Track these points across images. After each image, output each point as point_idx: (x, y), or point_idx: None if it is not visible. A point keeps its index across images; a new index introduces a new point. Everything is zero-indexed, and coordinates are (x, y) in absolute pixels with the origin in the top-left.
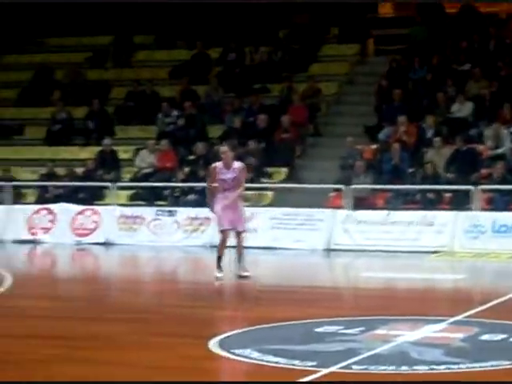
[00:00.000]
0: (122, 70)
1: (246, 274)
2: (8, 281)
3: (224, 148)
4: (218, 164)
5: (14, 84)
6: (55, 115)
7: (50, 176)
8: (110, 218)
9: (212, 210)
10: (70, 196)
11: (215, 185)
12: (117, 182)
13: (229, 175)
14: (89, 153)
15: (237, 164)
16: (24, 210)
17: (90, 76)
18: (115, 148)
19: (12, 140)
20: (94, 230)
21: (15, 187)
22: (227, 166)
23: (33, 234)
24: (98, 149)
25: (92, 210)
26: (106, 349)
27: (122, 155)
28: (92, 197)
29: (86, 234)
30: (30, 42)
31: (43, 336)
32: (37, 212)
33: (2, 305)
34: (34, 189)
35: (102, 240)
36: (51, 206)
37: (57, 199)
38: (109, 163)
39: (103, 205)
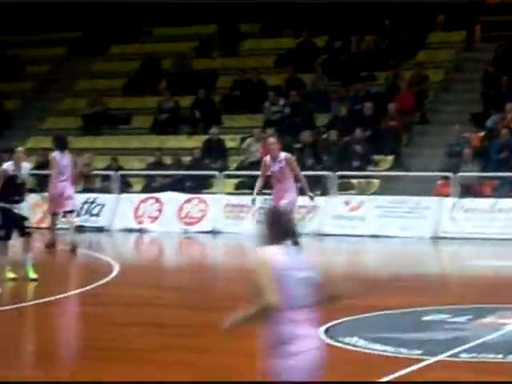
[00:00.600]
0: (228, 58)
1: None
2: (115, 269)
3: (271, 139)
4: (267, 157)
5: (122, 74)
6: (162, 104)
7: (157, 165)
8: (216, 207)
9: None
10: (177, 185)
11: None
12: (223, 171)
13: (276, 167)
14: (195, 142)
15: (283, 155)
16: (131, 199)
17: (197, 65)
18: (222, 137)
19: (119, 129)
20: (200, 218)
21: (123, 176)
22: (274, 158)
23: (140, 222)
24: (204, 138)
25: (199, 198)
26: (211, 336)
27: (229, 144)
28: (199, 185)
29: (193, 223)
30: (138, 31)
31: (150, 324)
32: (144, 201)
33: (109, 293)
34: (141, 178)
35: (208, 228)
36: (158, 195)
37: (164, 188)
38: (215, 152)
39: (210, 193)
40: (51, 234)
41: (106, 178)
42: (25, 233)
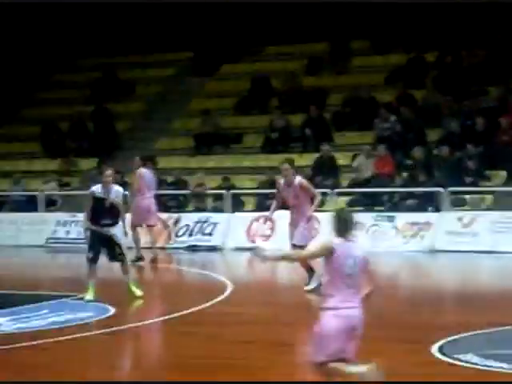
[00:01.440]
0: (338, 76)
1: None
2: (229, 288)
3: (284, 165)
4: (282, 181)
5: (232, 93)
6: (273, 123)
7: (269, 183)
8: (328, 225)
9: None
10: None
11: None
12: (335, 189)
13: (289, 193)
14: (307, 160)
15: (297, 180)
16: (244, 218)
17: (307, 83)
18: (333, 154)
19: (231, 148)
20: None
21: (235, 195)
22: (288, 183)
23: (253, 241)
24: (315, 155)
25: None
26: None
27: (340, 161)
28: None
29: None
30: (247, 51)
31: (263, 342)
32: (256, 219)
33: (222, 312)
34: (253, 196)
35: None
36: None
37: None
38: (327, 169)
39: (322, 211)
40: (138, 248)
41: (218, 197)
42: (118, 259)
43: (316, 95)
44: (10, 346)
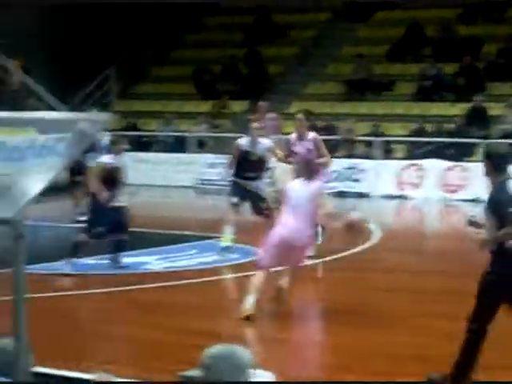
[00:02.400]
0: (494, 25)
1: None
2: (376, 235)
3: (299, 115)
4: (293, 135)
5: (385, 40)
6: (425, 71)
7: (420, 132)
8: (479, 176)
9: None
10: (439, 152)
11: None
12: (486, 139)
13: (301, 148)
14: (458, 109)
15: (311, 135)
16: (393, 166)
17: (461, 32)
18: (485, 104)
19: (382, 96)
20: (462, 186)
21: (385, 143)
22: (300, 137)
23: (401, 189)
24: (467, 105)
25: (461, 166)
26: (466, 304)
27: (493, 111)
28: (461, 153)
29: (454, 191)
30: None
31: (406, 290)
32: (406, 168)
33: (369, 259)
34: (403, 144)
35: (470, 197)
36: (420, 162)
37: (426, 155)
38: (479, 120)
39: (472, 162)
40: None
41: (368, 144)
42: (262, 213)
43: (470, 44)
44: (158, 284)
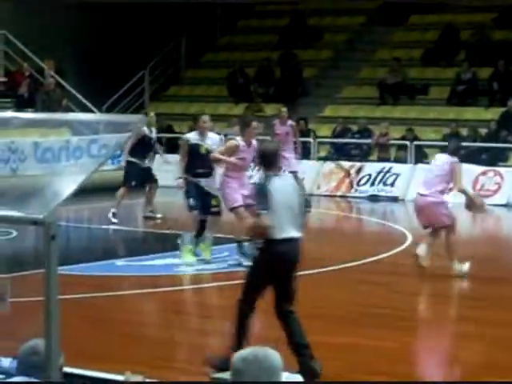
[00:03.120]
0: None
1: None
2: (409, 239)
3: (283, 108)
4: (277, 121)
5: (420, 44)
6: (460, 75)
7: (454, 136)
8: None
9: None
10: (473, 156)
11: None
12: None
13: (283, 130)
14: (493, 114)
15: (290, 121)
16: (426, 170)
17: (496, 36)
18: None
19: (416, 100)
20: (495, 191)
21: (418, 147)
22: (283, 122)
23: None
24: (502, 110)
25: (494, 171)
26: (493, 309)
27: None
28: (495, 158)
29: (488, 195)
30: (438, 2)
31: (440, 294)
32: None
33: (401, 263)
34: (437, 149)
35: (503, 201)
36: None
37: (460, 160)
38: None
39: (506, 166)
40: None
41: (401, 147)
42: (210, 212)
43: (505, 49)
44: (190, 286)
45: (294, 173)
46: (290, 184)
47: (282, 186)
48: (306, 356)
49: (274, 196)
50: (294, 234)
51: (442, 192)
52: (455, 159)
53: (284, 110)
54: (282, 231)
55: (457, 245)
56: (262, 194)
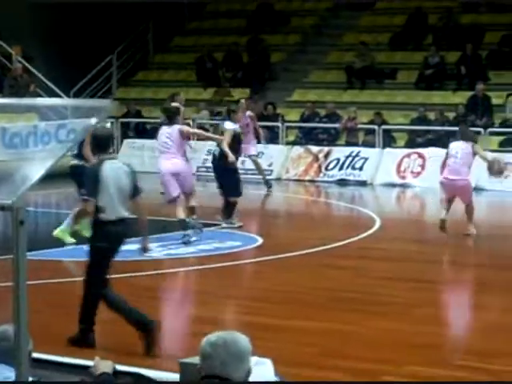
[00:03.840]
0: (496, 14)
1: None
2: (377, 224)
3: (243, 101)
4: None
5: (387, 28)
6: (427, 59)
7: (421, 120)
8: (481, 164)
9: None
10: (441, 141)
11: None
12: (488, 128)
13: (243, 121)
14: (460, 97)
15: (248, 112)
16: (394, 154)
17: (464, 20)
18: (487, 93)
19: (384, 84)
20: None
21: (386, 131)
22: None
23: (403, 177)
24: (469, 94)
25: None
26: (466, 293)
27: (495, 100)
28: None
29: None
30: None
31: (406, 279)
32: (407, 156)
33: (369, 247)
34: (404, 133)
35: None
36: (422, 151)
37: (427, 144)
38: (480, 108)
39: None
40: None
41: (369, 131)
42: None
43: (472, 33)
44: (159, 271)
45: (250, 156)
46: (121, 167)
47: (112, 169)
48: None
49: (106, 179)
50: (124, 213)
51: (468, 174)
52: (471, 143)
53: (242, 101)
54: (113, 212)
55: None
56: (91, 178)
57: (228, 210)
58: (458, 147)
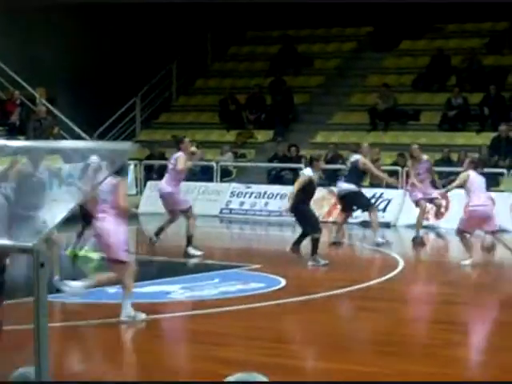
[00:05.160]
0: None
1: None
2: (401, 265)
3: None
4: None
5: (411, 69)
6: (451, 101)
7: (445, 161)
8: (503, 205)
9: None
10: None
11: None
12: (511, 169)
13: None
14: (484, 138)
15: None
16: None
17: (487, 61)
18: (511, 134)
19: (407, 125)
20: None
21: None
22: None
23: (426, 219)
24: (493, 134)
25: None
26: (497, 335)
27: None
28: (486, 183)
29: None
30: (429, 27)
31: (435, 320)
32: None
33: (393, 288)
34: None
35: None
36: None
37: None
38: (504, 149)
39: (497, 191)
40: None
41: (392, 173)
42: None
43: (496, 74)
44: (182, 313)
45: None
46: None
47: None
48: None
49: None
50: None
51: None
52: None
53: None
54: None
55: None
56: None
57: (313, 248)
58: (478, 177)
